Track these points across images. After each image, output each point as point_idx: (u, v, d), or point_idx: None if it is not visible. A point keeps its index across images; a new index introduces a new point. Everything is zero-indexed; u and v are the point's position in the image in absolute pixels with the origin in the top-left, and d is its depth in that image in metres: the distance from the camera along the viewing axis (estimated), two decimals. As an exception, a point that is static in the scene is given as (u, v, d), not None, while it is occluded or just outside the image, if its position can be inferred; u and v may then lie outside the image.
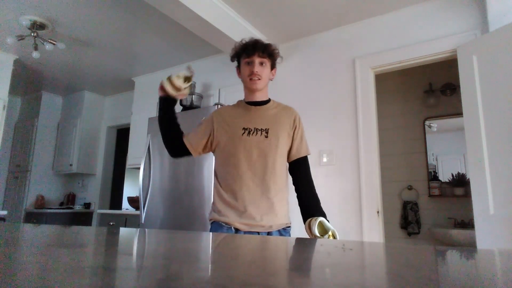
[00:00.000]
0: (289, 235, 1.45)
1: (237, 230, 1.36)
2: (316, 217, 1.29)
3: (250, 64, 1.41)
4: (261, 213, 1.36)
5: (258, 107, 1.46)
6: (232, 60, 1.51)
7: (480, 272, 0.41)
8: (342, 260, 0.44)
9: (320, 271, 0.37)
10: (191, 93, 3.43)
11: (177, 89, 1.41)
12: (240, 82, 1.51)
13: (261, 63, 1.42)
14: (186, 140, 1.46)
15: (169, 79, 1.41)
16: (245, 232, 1.35)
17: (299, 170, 1.45)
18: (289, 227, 1.45)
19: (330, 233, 1.26)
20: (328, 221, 1.30)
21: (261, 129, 1.40)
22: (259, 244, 0.65)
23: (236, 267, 0.38)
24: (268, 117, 1.44)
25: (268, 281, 0.30)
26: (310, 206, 1.38)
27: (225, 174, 1.41)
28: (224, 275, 0.32)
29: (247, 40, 1.46)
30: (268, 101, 1.49)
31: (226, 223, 1.36)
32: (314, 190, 1.44)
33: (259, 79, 1.41)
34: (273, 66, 1.48)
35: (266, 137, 1.39)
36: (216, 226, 1.38)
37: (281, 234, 1.40)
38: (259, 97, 1.47)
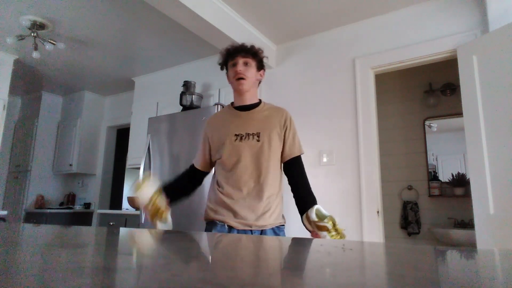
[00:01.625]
0: (284, 234, 1.46)
1: (230, 228, 1.37)
2: (312, 207, 1.33)
3: (235, 65, 1.44)
4: (256, 214, 1.38)
5: (247, 112, 1.47)
6: (222, 68, 1.54)
7: (480, 272, 0.40)
8: (342, 260, 0.44)
9: (320, 271, 0.37)
10: None
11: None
12: None
13: (245, 63, 1.44)
14: (198, 167, 1.55)
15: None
16: (238, 231, 1.37)
17: (294, 170, 1.47)
18: (283, 225, 1.47)
19: (328, 219, 1.28)
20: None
21: (252, 133, 1.42)
22: (259, 244, 0.65)
23: (236, 267, 0.38)
24: (258, 120, 1.45)
25: (268, 281, 0.30)
26: (307, 204, 1.38)
27: (222, 178, 1.44)
28: (224, 275, 0.32)
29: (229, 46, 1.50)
30: (259, 103, 1.51)
31: (220, 221, 1.38)
32: (310, 188, 1.45)
33: (244, 78, 1.42)
34: (260, 67, 1.50)
35: (258, 140, 1.41)
36: (210, 225, 1.41)
37: (275, 232, 1.41)
38: (248, 99, 1.48)
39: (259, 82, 1.54)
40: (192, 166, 1.56)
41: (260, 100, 1.53)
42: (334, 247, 0.56)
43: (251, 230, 1.37)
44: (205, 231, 1.42)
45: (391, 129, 3.69)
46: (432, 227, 3.29)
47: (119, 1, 2.78)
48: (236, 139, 1.41)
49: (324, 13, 2.81)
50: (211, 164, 1.54)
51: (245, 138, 1.41)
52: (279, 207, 1.45)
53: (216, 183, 1.46)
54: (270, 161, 1.41)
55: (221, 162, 1.44)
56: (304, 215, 1.35)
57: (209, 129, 1.52)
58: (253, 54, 1.45)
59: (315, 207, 1.32)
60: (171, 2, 2.34)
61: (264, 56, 1.51)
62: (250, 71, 1.44)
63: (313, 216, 1.29)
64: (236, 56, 1.43)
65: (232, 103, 1.53)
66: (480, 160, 2.13)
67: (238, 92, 1.47)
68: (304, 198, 1.41)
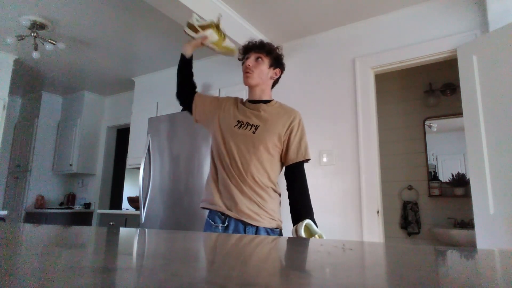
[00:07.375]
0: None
1: (226, 217, 1.37)
2: (302, 221, 1.27)
3: (247, 60, 1.45)
4: (247, 205, 1.35)
5: (257, 104, 1.47)
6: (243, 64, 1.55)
7: (480, 272, 0.40)
8: (342, 260, 0.44)
9: (320, 271, 0.37)
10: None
11: (195, 30, 1.50)
12: (240, 82, 1.52)
13: (257, 58, 1.44)
14: (195, 102, 1.53)
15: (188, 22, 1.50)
16: (235, 224, 1.36)
17: (294, 176, 1.41)
18: (277, 228, 1.41)
19: (317, 236, 1.24)
20: (316, 226, 1.29)
21: (252, 124, 1.41)
22: (259, 244, 0.65)
23: (235, 267, 0.38)
24: (263, 115, 1.43)
25: (268, 281, 0.30)
26: (300, 216, 1.33)
27: (217, 161, 1.45)
28: (224, 275, 0.32)
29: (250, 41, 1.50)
30: (270, 101, 1.50)
31: (216, 210, 1.39)
32: (308, 198, 1.39)
33: (251, 72, 1.43)
34: (275, 65, 1.49)
35: (254, 133, 1.39)
36: (208, 215, 1.43)
37: (268, 235, 1.37)
38: (258, 95, 1.48)
39: (275, 81, 1.53)
40: (192, 93, 1.58)
41: (272, 99, 1.52)
42: (334, 247, 0.56)
43: (243, 222, 1.34)
44: (206, 217, 1.44)
45: (391, 129, 3.69)
46: (432, 227, 3.29)
47: (119, 1, 2.78)
48: (236, 125, 1.42)
49: (324, 13, 2.81)
50: (197, 118, 1.54)
51: (244, 126, 1.41)
52: (272, 206, 1.39)
53: (214, 161, 1.47)
54: (258, 156, 1.37)
55: (216, 143, 1.45)
56: (293, 228, 1.30)
57: (227, 103, 1.52)
58: (268, 51, 1.46)
59: (305, 222, 1.25)
60: (171, 2, 2.34)
61: (280, 54, 1.51)
62: (260, 67, 1.44)
63: (301, 232, 1.23)
64: (250, 51, 1.45)
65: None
66: (480, 160, 2.13)
67: (246, 85, 1.49)
68: (299, 209, 1.36)
